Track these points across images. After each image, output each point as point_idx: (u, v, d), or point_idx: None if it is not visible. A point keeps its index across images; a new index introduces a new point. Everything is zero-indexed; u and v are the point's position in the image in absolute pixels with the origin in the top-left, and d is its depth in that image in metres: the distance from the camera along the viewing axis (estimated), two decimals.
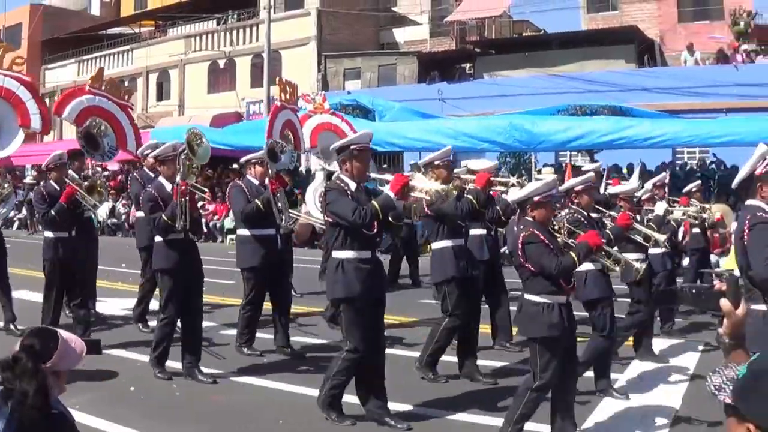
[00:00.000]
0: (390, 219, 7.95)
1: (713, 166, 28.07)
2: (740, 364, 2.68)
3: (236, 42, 47.53)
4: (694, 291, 3.77)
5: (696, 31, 38.40)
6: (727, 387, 2.62)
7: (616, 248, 8.75)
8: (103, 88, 12.14)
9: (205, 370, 9.85)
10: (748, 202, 6.38)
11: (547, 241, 7.26)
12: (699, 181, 15.69)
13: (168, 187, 9.89)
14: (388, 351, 8.64)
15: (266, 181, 11.08)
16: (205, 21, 49.57)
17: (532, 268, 7.23)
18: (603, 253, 8.27)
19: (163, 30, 53.35)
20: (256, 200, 10.82)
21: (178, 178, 9.62)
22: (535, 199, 7.35)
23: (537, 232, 7.22)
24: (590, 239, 7.52)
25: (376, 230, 8.10)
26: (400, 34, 48.47)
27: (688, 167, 28.62)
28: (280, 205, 10.86)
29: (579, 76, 34.81)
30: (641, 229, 10.02)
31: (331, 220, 8.02)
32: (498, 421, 7.67)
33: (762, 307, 5.86)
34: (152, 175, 12.03)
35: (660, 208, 11.10)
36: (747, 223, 6.02)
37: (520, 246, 7.28)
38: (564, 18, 70.79)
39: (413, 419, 8.23)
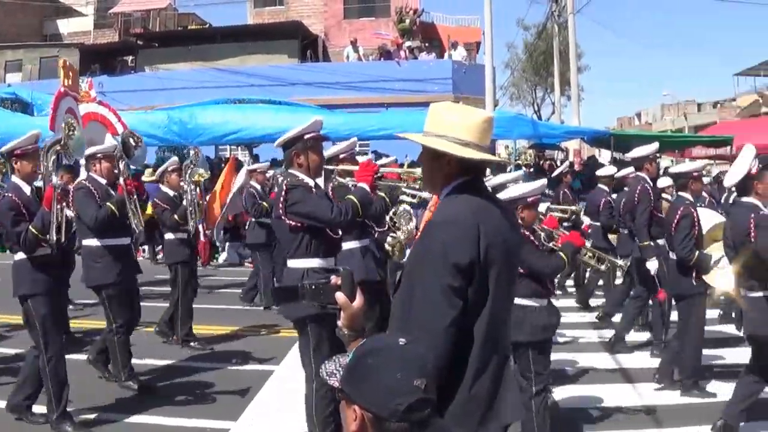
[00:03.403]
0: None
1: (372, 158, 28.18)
2: None
3: None
4: (313, 287, 3.51)
5: (361, 27, 39.17)
6: (338, 373, 2.74)
7: None
8: None
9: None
10: (745, 199, 7.36)
11: (537, 243, 7.19)
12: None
13: (27, 189, 7.80)
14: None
15: (120, 180, 9.01)
16: None
17: (522, 270, 6.76)
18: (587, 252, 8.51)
19: None
20: (108, 204, 8.81)
21: (54, 179, 7.65)
22: (529, 199, 7.17)
23: (527, 233, 7.07)
24: (575, 240, 7.46)
25: (339, 234, 7.11)
26: (65, 26, 46.99)
27: None
28: (134, 208, 9.02)
29: (242, 70, 34.83)
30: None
31: (294, 223, 6.65)
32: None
33: (760, 293, 7.09)
34: None
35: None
36: (752, 221, 7.05)
37: None
38: (232, 12, 71.00)
39: None
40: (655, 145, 11.41)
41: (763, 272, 7.11)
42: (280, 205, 6.64)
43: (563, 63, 40.83)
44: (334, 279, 3.46)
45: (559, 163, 29.37)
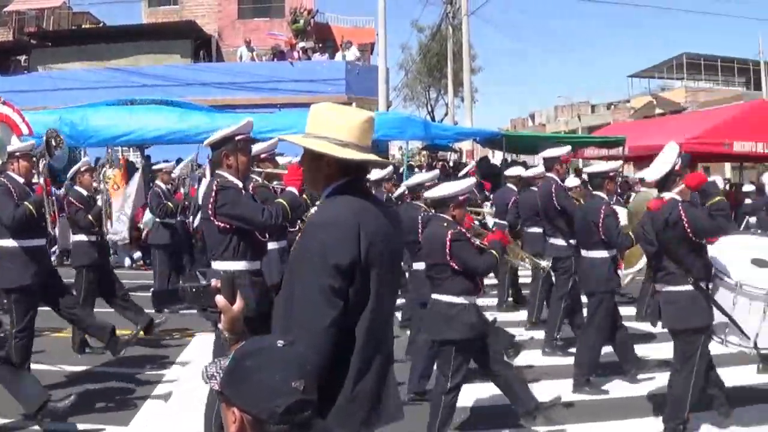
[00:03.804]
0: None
1: None
2: None
3: None
4: (194, 290, 3.55)
5: (255, 27, 39.03)
6: (219, 375, 2.71)
7: None
8: None
9: None
10: (666, 194, 7.41)
11: (471, 240, 7.37)
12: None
13: None
14: None
15: (41, 179, 9.00)
16: None
17: (457, 267, 7.18)
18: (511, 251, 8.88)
19: None
20: (26, 203, 8.69)
21: None
22: (460, 198, 7.38)
23: (463, 230, 7.29)
24: (501, 238, 7.72)
25: (267, 237, 7.10)
26: None
27: None
28: (49, 210, 8.98)
29: (135, 71, 34.46)
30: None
31: (223, 224, 6.54)
32: None
33: (688, 287, 7.17)
34: None
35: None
36: (682, 213, 7.08)
37: (448, 244, 7.18)
38: (127, 11, 70.02)
39: None
40: (568, 148, 11.84)
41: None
42: (210, 206, 6.55)
43: (457, 64, 41.24)
44: (215, 282, 3.46)
45: (451, 163, 29.77)
